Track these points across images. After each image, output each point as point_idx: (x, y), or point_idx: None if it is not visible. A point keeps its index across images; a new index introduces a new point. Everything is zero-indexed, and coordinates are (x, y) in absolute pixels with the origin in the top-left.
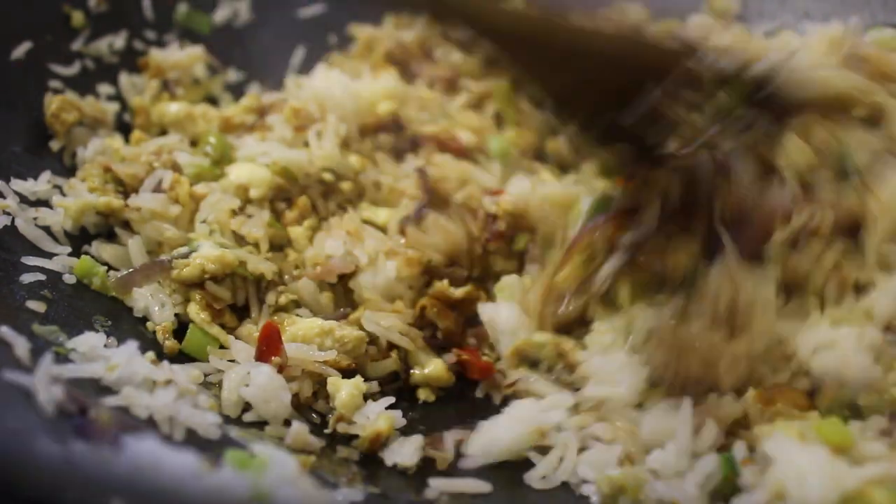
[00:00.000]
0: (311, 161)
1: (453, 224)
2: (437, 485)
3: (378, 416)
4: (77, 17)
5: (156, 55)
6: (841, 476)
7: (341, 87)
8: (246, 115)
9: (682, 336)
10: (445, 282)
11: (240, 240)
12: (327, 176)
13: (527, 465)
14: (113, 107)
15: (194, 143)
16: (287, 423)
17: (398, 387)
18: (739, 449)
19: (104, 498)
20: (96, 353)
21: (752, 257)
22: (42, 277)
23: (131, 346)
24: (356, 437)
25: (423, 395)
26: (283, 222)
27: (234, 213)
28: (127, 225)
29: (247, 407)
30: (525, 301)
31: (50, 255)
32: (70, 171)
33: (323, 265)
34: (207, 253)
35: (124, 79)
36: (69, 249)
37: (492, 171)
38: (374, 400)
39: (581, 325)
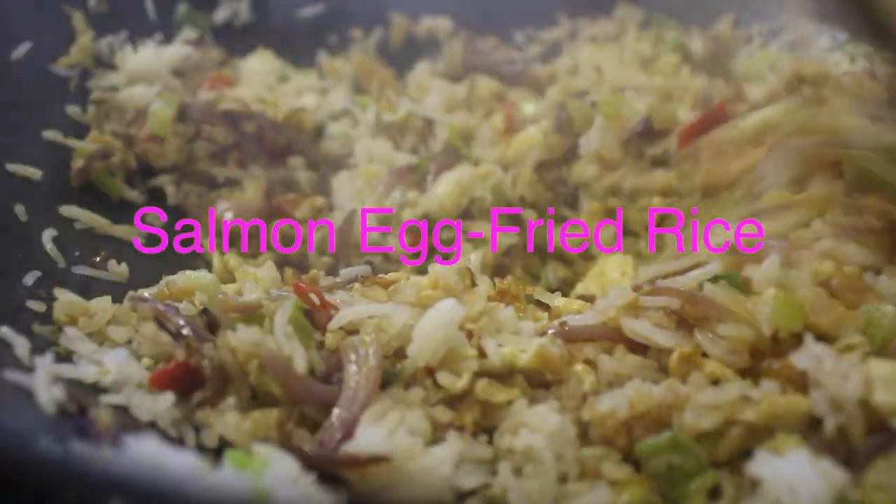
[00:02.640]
0: None
1: None
2: None
3: None
4: (77, 17)
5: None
6: (832, 476)
7: None
8: None
9: None
10: None
11: None
12: None
13: None
14: None
15: None
16: None
17: None
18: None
19: (104, 498)
20: (93, 356)
21: None
22: (42, 277)
23: (121, 351)
24: None
25: None
26: None
27: None
28: None
29: None
30: None
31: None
32: None
33: None
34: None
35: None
36: None
37: None
38: None
39: None
